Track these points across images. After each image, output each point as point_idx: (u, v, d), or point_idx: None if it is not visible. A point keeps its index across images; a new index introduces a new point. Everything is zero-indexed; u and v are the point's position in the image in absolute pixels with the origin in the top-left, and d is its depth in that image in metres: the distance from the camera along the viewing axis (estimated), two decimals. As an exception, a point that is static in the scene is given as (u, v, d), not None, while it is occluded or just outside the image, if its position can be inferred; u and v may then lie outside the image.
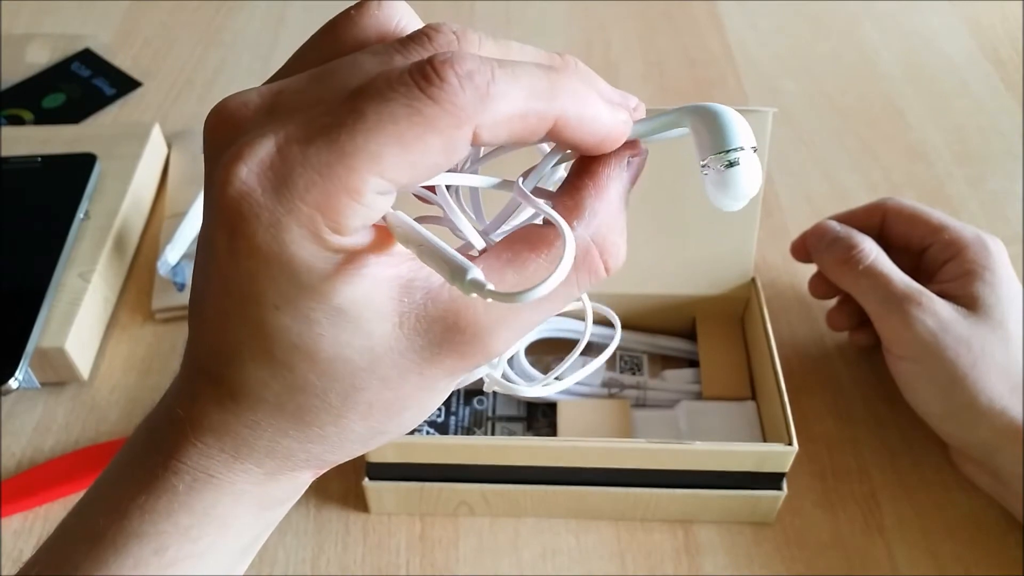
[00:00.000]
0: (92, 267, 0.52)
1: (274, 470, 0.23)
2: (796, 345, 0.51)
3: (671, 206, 0.45)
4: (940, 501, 0.44)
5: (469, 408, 0.47)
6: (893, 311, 0.43)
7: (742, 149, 0.22)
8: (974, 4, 0.77)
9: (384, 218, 0.21)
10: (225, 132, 0.21)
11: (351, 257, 0.20)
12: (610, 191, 0.23)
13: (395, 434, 0.24)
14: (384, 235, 0.21)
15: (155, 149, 0.61)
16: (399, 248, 0.21)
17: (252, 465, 0.23)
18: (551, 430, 0.46)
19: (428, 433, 0.46)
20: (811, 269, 0.50)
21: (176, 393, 0.24)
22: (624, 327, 0.49)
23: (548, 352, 0.49)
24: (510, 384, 0.29)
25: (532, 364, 0.47)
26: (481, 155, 0.25)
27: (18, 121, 0.66)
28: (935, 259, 0.45)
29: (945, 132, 0.65)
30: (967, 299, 0.42)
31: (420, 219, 0.23)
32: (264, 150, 0.19)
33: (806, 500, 0.44)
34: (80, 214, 0.54)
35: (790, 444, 0.40)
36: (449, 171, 0.23)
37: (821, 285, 0.49)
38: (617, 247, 0.23)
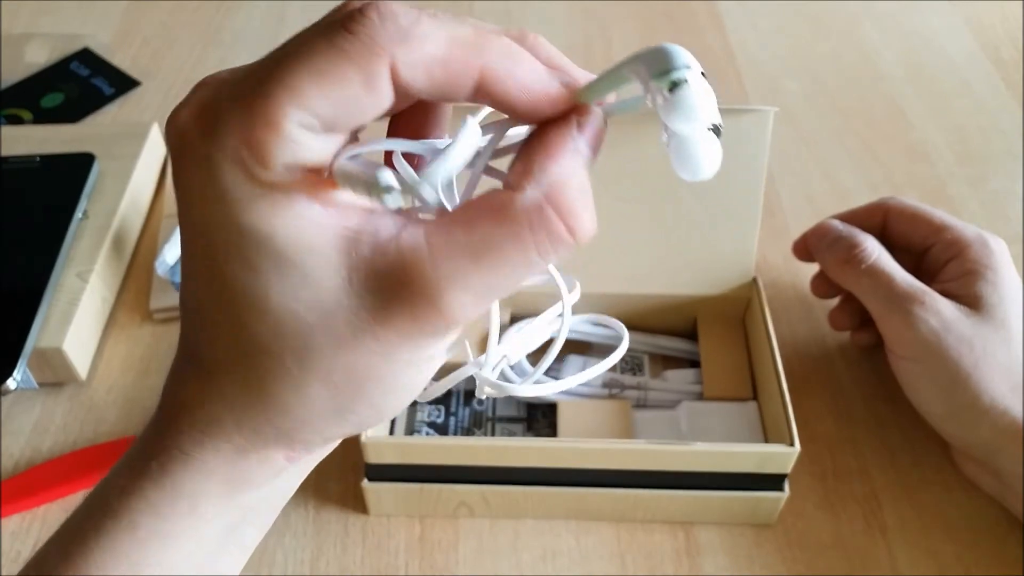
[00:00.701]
0: (90, 267, 0.51)
1: (243, 446, 0.23)
2: (797, 345, 0.51)
3: (672, 206, 0.45)
4: (941, 501, 0.44)
5: (469, 409, 0.47)
6: (896, 310, 0.42)
7: (688, 68, 0.20)
8: (975, 4, 0.77)
9: (331, 168, 0.21)
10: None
11: (289, 198, 0.20)
12: (561, 151, 0.22)
13: (365, 416, 0.23)
14: (328, 185, 0.21)
15: (154, 149, 0.61)
16: (347, 200, 0.21)
17: (222, 441, 0.23)
18: (551, 431, 0.46)
19: (428, 434, 0.46)
20: (812, 269, 0.49)
21: (168, 378, 0.25)
22: (625, 327, 0.50)
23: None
24: (501, 384, 0.28)
25: (532, 364, 0.47)
26: (475, 156, 0.25)
27: (17, 121, 0.66)
28: (937, 259, 0.45)
29: (946, 132, 0.65)
30: (969, 299, 0.42)
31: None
32: (202, 95, 0.21)
33: (807, 501, 0.44)
34: (78, 214, 0.54)
35: (792, 445, 0.40)
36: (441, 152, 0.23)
37: (823, 285, 0.49)
38: (576, 206, 0.21)
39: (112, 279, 0.54)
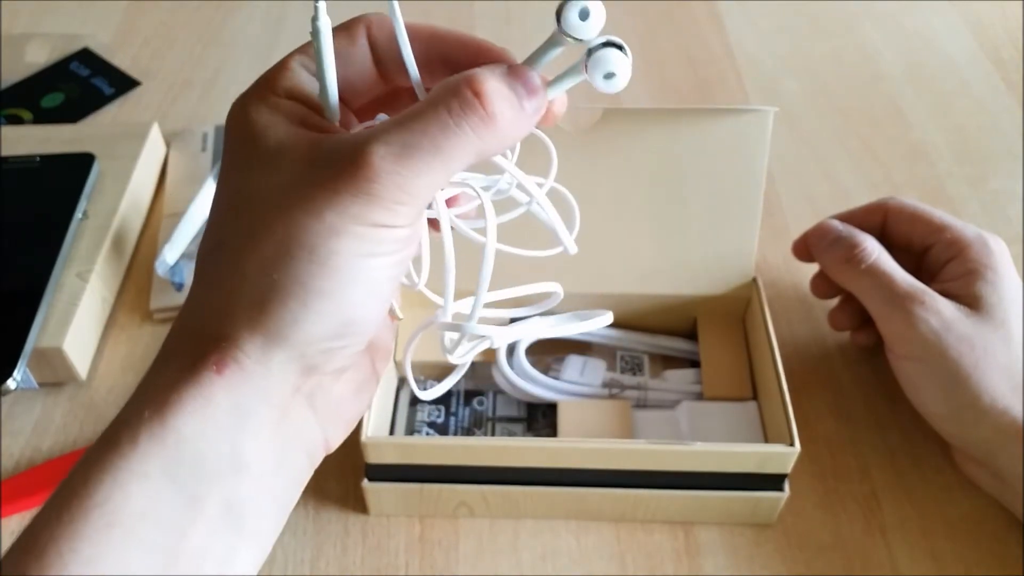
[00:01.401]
0: (90, 267, 0.51)
1: (176, 349, 0.27)
2: (797, 345, 0.51)
3: (672, 206, 0.45)
4: (941, 501, 0.44)
5: (469, 409, 0.47)
6: (896, 310, 0.42)
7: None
8: (975, 4, 0.77)
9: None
10: None
11: (283, 112, 0.27)
12: (485, 68, 0.26)
13: (291, 296, 0.25)
14: (315, 110, 0.28)
15: (154, 149, 0.61)
16: (318, 123, 0.27)
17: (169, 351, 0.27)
18: (551, 431, 0.46)
19: (428, 434, 0.46)
20: (812, 269, 0.49)
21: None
22: (625, 327, 0.50)
23: (548, 352, 0.49)
24: (458, 324, 0.29)
25: (532, 364, 0.47)
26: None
27: (17, 121, 0.66)
28: (937, 259, 0.45)
29: (946, 132, 0.65)
30: (970, 299, 0.42)
31: None
32: None
33: (807, 501, 0.44)
34: (78, 214, 0.54)
35: (792, 445, 0.40)
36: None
37: (823, 284, 0.49)
38: (489, 89, 0.25)
39: (112, 279, 0.54)
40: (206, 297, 0.27)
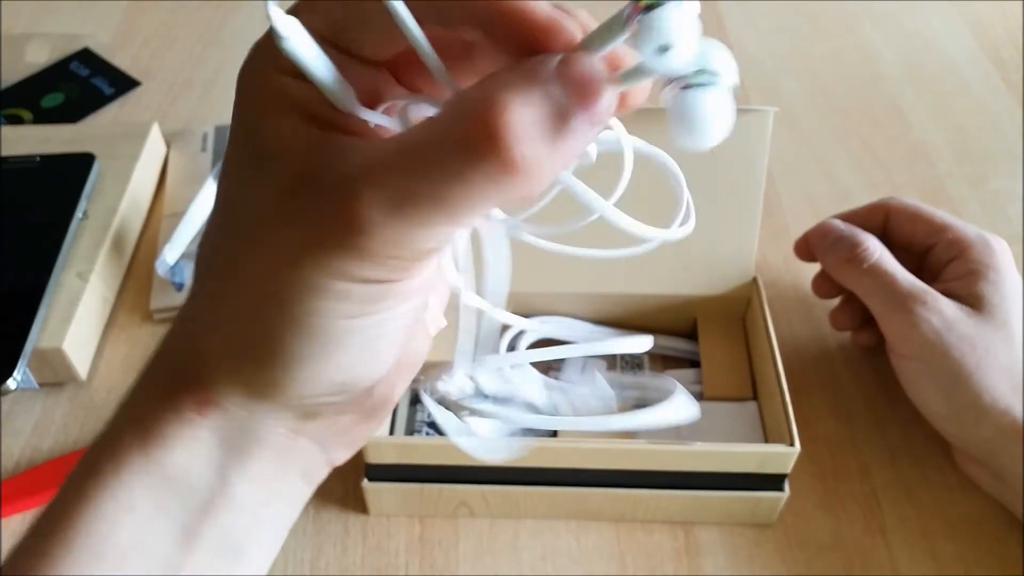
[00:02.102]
0: (90, 267, 0.51)
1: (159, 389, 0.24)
2: (797, 345, 0.51)
3: (671, 206, 0.45)
4: (941, 501, 0.44)
5: (469, 408, 0.47)
6: (898, 310, 0.42)
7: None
8: (975, 4, 0.77)
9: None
10: None
11: (284, 101, 0.21)
12: (525, 72, 0.19)
13: (268, 357, 0.21)
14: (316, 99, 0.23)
15: (154, 149, 0.61)
16: (326, 115, 0.22)
17: (145, 388, 0.24)
18: (551, 431, 0.46)
19: (428, 434, 0.46)
20: (812, 269, 0.49)
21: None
22: (625, 327, 0.50)
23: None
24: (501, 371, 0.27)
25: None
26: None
27: (17, 121, 0.66)
28: (939, 258, 0.45)
29: (946, 132, 0.65)
30: (971, 298, 0.42)
31: None
32: None
33: (807, 501, 0.44)
34: (78, 214, 0.54)
35: (792, 445, 0.39)
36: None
37: (824, 284, 0.49)
38: (511, 118, 0.18)
39: (112, 279, 0.54)
40: (189, 322, 0.23)
